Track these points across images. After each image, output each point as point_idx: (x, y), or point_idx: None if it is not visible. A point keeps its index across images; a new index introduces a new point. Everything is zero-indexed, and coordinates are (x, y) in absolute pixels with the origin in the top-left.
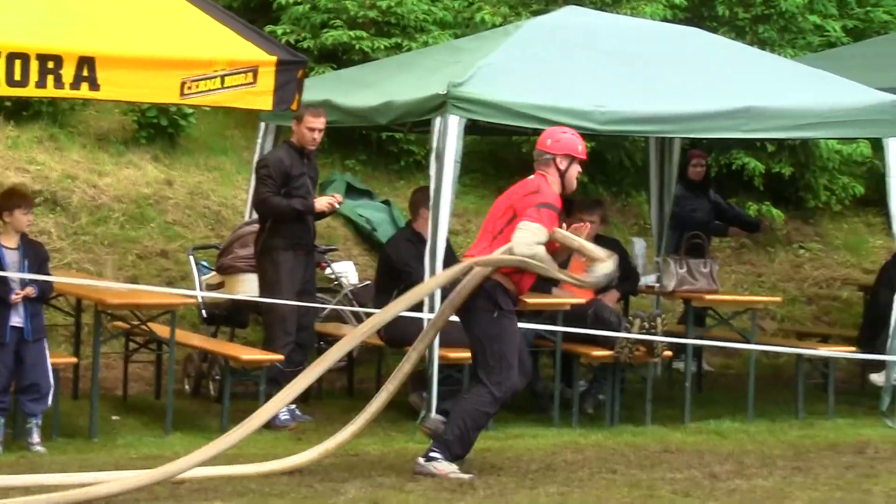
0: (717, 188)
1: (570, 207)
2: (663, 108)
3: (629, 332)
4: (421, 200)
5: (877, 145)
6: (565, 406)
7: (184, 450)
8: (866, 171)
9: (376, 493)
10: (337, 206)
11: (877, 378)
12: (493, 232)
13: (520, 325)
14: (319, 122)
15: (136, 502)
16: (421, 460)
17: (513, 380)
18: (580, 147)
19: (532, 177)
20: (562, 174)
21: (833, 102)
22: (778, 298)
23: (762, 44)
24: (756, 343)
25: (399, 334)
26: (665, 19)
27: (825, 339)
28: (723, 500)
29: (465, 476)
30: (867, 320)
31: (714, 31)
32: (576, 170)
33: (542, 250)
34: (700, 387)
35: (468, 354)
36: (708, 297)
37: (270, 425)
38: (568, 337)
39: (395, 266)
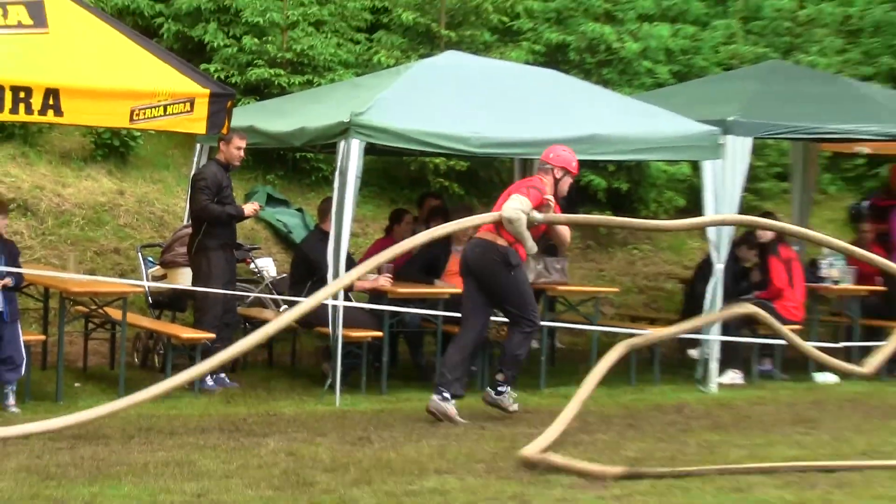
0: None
1: (447, 214)
2: (526, 134)
3: (497, 315)
4: (328, 208)
5: (695, 166)
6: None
7: (133, 411)
8: (687, 188)
9: (291, 445)
10: (258, 212)
11: (693, 353)
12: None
13: (407, 310)
14: (244, 143)
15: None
16: (491, 393)
17: (536, 311)
18: (574, 163)
19: (535, 176)
20: (556, 181)
21: (661, 131)
22: (615, 289)
23: (605, 83)
24: (598, 325)
25: (311, 316)
26: (527, 62)
27: (653, 322)
28: (569, 450)
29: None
30: (686, 306)
31: (567, 72)
32: (568, 181)
33: (525, 218)
34: (553, 360)
35: (366, 334)
36: (560, 287)
37: (202, 390)
38: (447, 319)
39: (311, 261)
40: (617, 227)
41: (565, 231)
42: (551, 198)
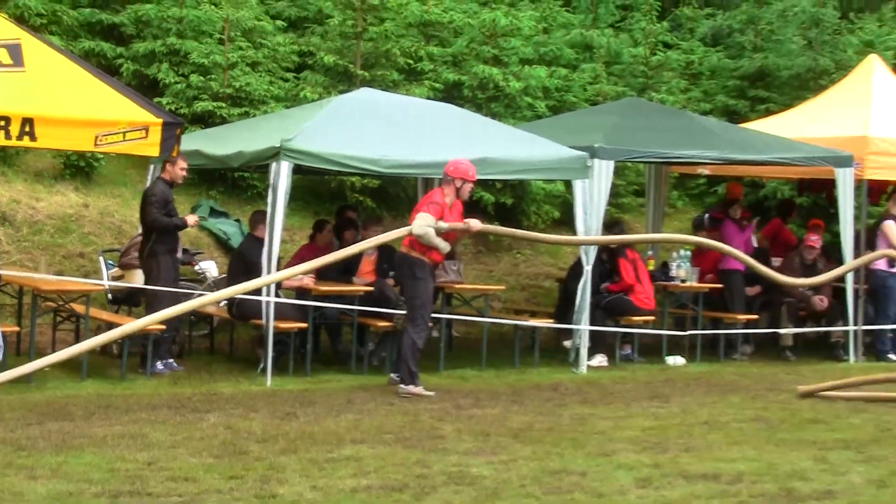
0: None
1: (356, 225)
2: (427, 157)
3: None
4: (258, 218)
5: (568, 184)
6: (359, 360)
7: (94, 391)
8: (561, 202)
9: (229, 420)
10: (199, 223)
11: (567, 343)
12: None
13: (327, 305)
14: (187, 164)
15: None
16: (402, 387)
17: (427, 322)
18: (471, 172)
19: (436, 189)
20: (457, 189)
21: (539, 156)
22: (502, 287)
23: (493, 115)
24: (488, 317)
25: (246, 310)
26: (429, 97)
27: (533, 314)
28: (465, 422)
29: (429, 392)
30: (561, 302)
31: (462, 106)
32: (468, 187)
33: (431, 231)
34: (451, 346)
35: (293, 325)
36: (456, 286)
37: (153, 373)
38: (361, 312)
39: (247, 262)
40: (526, 240)
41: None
42: (466, 224)
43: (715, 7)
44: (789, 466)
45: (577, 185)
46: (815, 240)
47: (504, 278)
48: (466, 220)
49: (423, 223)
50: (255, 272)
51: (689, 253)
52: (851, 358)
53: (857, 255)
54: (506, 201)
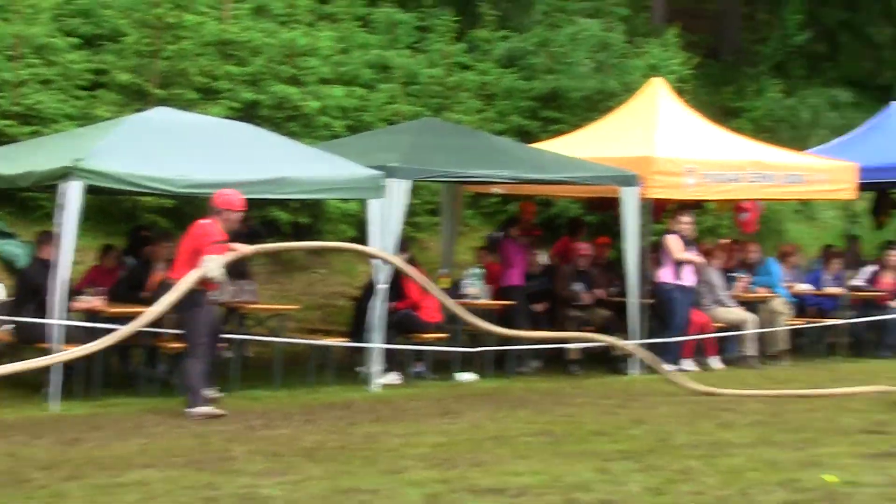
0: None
1: (148, 240)
2: (224, 177)
3: None
4: (44, 239)
5: (363, 204)
6: (150, 382)
7: None
8: (357, 221)
9: (11, 447)
10: None
11: (361, 369)
12: (187, 262)
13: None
14: None
15: None
16: (190, 410)
17: (207, 348)
18: (236, 202)
19: (207, 221)
20: (226, 221)
21: (336, 175)
22: (297, 306)
23: (291, 135)
24: (282, 337)
25: (32, 333)
26: (226, 117)
27: (328, 333)
28: (256, 443)
29: (216, 411)
30: (355, 321)
31: (259, 125)
32: (236, 216)
33: (222, 270)
34: (244, 367)
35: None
36: (250, 306)
37: None
38: (153, 333)
39: (33, 284)
40: (288, 250)
41: None
42: (239, 252)
43: (510, 30)
44: (573, 478)
45: (373, 205)
46: (585, 247)
47: (299, 297)
48: (236, 246)
49: (216, 266)
50: (41, 295)
51: (481, 271)
52: (632, 371)
53: (641, 270)
54: (302, 221)
